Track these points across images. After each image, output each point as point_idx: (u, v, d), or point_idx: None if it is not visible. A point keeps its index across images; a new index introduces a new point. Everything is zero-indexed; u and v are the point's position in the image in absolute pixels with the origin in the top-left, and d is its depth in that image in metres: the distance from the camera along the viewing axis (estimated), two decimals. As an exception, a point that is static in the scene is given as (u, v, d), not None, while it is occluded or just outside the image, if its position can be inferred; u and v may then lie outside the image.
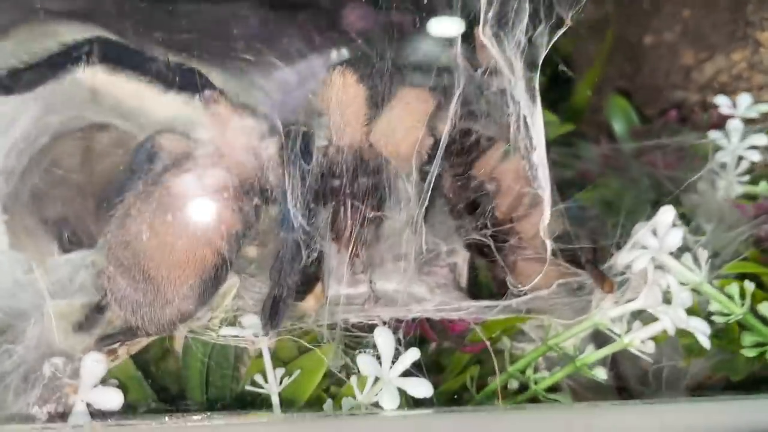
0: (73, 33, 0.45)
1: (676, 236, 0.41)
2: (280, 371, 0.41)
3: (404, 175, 0.39)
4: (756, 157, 0.53)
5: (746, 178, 0.55)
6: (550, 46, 0.35)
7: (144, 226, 0.37)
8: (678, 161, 0.59)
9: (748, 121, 0.58)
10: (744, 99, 0.60)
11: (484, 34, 0.35)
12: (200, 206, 0.37)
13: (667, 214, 0.41)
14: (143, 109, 0.57)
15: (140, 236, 0.37)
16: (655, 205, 0.44)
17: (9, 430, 0.38)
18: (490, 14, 0.35)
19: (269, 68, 0.40)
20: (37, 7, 0.46)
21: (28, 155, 0.58)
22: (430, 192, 0.37)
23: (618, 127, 0.70)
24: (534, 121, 0.36)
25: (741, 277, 0.46)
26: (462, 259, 0.51)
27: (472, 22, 0.35)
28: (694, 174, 0.54)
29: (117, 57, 0.36)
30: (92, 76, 0.61)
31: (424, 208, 0.38)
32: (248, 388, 0.40)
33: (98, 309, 0.41)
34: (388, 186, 0.40)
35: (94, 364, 0.39)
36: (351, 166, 0.39)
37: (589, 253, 0.40)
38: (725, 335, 0.47)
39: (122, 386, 0.39)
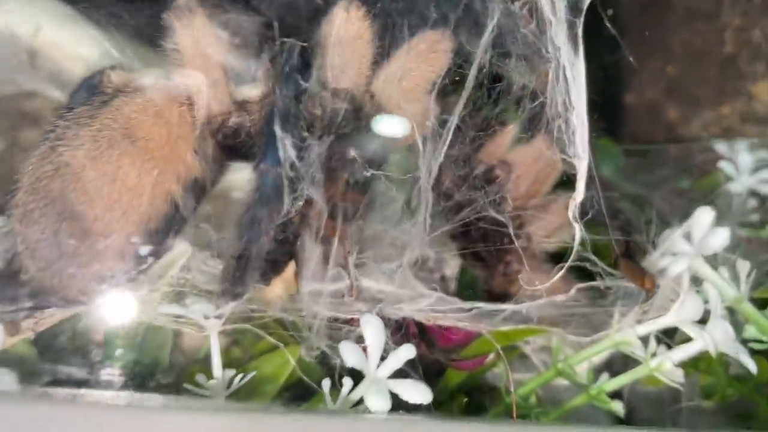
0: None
1: (720, 236, 0.35)
2: (231, 372, 0.32)
3: (415, 129, 0.32)
4: (768, 190, 0.48)
5: (754, 216, 0.51)
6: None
7: (79, 151, 0.28)
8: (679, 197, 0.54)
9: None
10: (741, 145, 0.57)
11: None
12: (154, 136, 0.29)
13: (705, 214, 0.36)
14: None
15: (72, 163, 0.28)
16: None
17: None
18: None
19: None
20: None
21: None
22: (446, 146, 0.30)
23: (606, 170, 0.66)
24: (575, 73, 0.30)
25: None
26: (452, 270, 0.43)
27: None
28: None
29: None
30: (34, 35, 0.53)
31: (437, 165, 0.31)
32: (186, 386, 0.31)
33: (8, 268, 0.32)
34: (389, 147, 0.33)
35: None
36: (349, 116, 0.32)
37: (623, 245, 0.34)
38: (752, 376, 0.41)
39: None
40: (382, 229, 0.35)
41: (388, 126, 0.32)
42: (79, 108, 0.30)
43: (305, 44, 0.29)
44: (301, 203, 0.28)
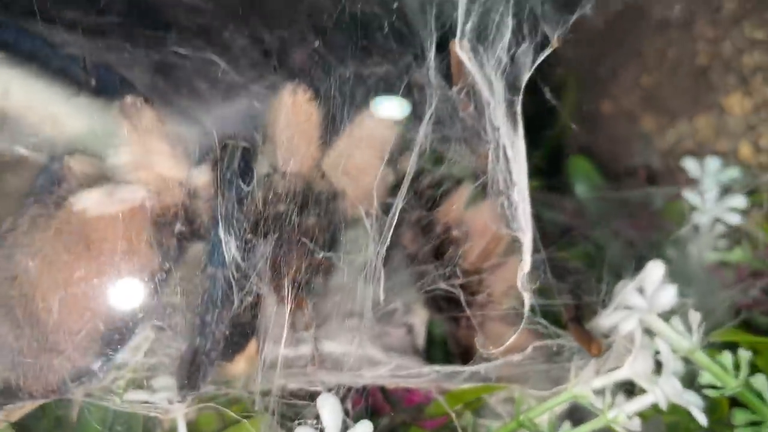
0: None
1: (668, 294, 0.36)
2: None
3: (362, 210, 0.33)
4: (735, 219, 0.49)
5: (722, 242, 0.51)
6: (534, 67, 0.31)
7: (37, 258, 0.29)
8: (650, 224, 0.55)
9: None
10: (712, 163, 0.57)
11: (461, 48, 0.30)
12: (109, 236, 0.30)
13: (656, 269, 0.36)
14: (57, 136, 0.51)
15: (31, 270, 0.29)
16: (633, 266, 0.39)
17: None
18: (468, 26, 0.30)
19: (208, 68, 0.33)
20: None
21: None
22: (391, 230, 0.31)
23: (580, 188, 0.66)
24: (515, 151, 0.31)
25: (728, 346, 0.41)
26: (420, 320, 0.44)
27: (447, 34, 0.30)
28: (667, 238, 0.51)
29: (11, 41, 0.29)
30: (3, 97, 0.54)
31: (384, 248, 0.31)
32: (157, 468, 0.32)
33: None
34: (343, 223, 0.33)
35: None
36: (299, 198, 0.32)
37: (571, 310, 0.35)
38: (711, 413, 0.42)
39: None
40: (340, 299, 0.37)
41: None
42: (34, 210, 0.32)
43: (246, 145, 0.30)
44: (250, 299, 0.29)
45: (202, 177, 0.33)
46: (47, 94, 0.54)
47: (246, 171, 0.29)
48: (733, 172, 0.55)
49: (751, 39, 0.61)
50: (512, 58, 0.30)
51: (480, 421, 0.42)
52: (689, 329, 0.38)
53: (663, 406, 0.35)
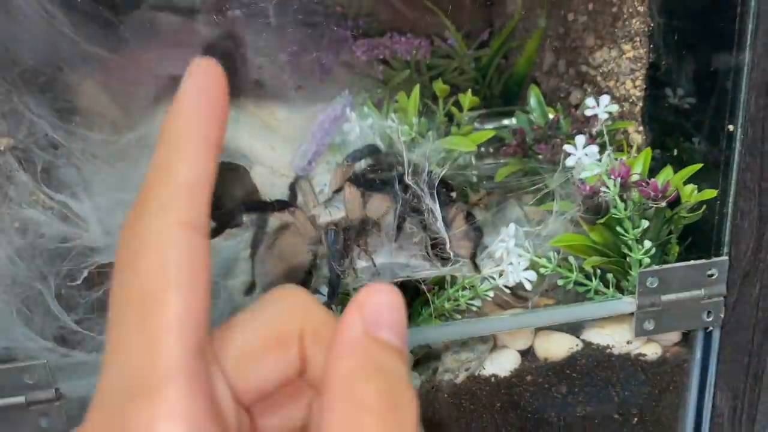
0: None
1: (512, 242, 0.86)
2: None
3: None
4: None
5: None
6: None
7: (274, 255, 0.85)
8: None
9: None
10: (604, 99, 0.99)
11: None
12: (298, 249, 0.85)
13: (510, 228, 0.86)
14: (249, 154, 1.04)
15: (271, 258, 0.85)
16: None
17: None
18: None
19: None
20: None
21: None
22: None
23: (537, 116, 1.10)
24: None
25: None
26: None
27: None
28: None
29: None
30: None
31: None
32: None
33: (253, 285, 0.92)
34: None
35: None
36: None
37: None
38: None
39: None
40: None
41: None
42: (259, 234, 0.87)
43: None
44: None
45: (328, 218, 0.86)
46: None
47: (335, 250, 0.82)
48: (613, 107, 0.98)
49: None
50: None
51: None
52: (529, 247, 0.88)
53: (510, 283, 0.87)
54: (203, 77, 0.36)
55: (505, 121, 1.21)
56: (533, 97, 1.08)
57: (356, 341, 0.34)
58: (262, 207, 0.83)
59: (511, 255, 0.87)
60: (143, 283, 0.32)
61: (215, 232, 0.82)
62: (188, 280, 0.32)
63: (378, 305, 0.35)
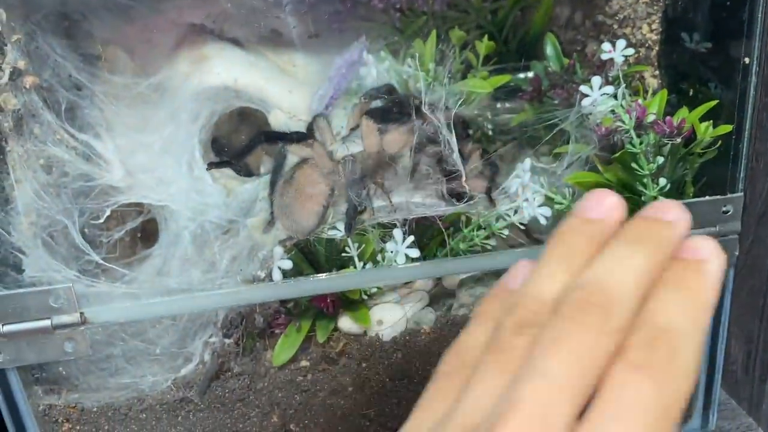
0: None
1: (527, 176, 0.87)
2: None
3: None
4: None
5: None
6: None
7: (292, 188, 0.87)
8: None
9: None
10: (621, 44, 0.99)
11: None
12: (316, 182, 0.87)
13: (526, 163, 0.87)
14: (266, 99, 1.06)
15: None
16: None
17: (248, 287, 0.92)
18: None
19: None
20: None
21: (210, 125, 1.09)
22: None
23: (554, 63, 1.10)
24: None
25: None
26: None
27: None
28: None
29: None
30: (234, 83, 1.07)
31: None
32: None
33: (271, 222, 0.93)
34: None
35: (279, 249, 0.92)
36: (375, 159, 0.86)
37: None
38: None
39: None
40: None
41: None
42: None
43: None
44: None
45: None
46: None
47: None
48: (629, 51, 0.99)
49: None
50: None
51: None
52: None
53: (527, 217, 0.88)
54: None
55: (521, 75, 1.21)
56: (549, 45, 1.09)
57: None
58: (282, 137, 0.85)
59: (526, 190, 0.88)
60: None
61: (236, 163, 0.84)
62: None
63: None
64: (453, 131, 0.81)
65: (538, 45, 1.28)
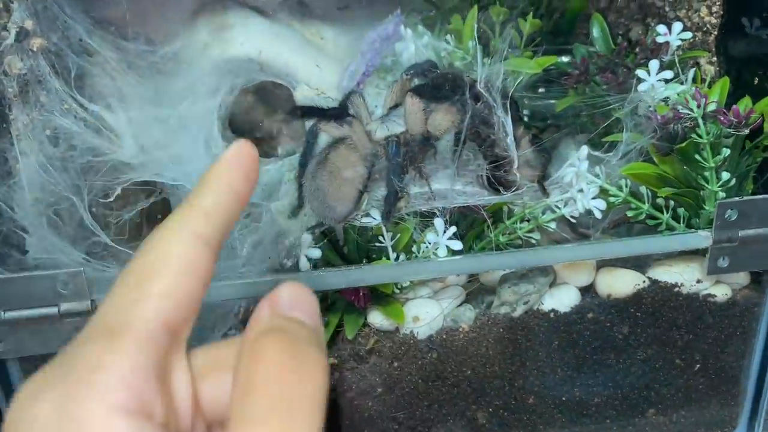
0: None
1: (584, 165, 0.80)
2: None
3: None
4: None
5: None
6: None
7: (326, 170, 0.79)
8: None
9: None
10: (677, 26, 0.92)
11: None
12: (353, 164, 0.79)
13: (583, 151, 0.80)
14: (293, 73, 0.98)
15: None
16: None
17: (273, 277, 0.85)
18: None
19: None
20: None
21: (229, 100, 1.00)
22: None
23: (600, 46, 1.02)
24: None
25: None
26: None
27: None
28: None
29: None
30: (258, 56, 0.99)
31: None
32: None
33: (299, 206, 0.85)
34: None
35: (307, 236, 0.84)
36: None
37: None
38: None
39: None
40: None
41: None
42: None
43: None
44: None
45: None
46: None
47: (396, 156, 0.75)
48: (686, 35, 0.91)
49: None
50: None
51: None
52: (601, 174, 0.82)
53: (580, 210, 0.81)
54: (241, 148, 0.41)
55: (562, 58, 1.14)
56: (596, 26, 1.01)
57: (263, 316, 0.38)
58: (318, 113, 0.77)
59: (581, 180, 0.81)
60: (146, 259, 0.37)
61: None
62: (184, 271, 0.37)
63: (285, 294, 0.38)
64: (509, 112, 0.73)
65: (575, 27, 1.21)
